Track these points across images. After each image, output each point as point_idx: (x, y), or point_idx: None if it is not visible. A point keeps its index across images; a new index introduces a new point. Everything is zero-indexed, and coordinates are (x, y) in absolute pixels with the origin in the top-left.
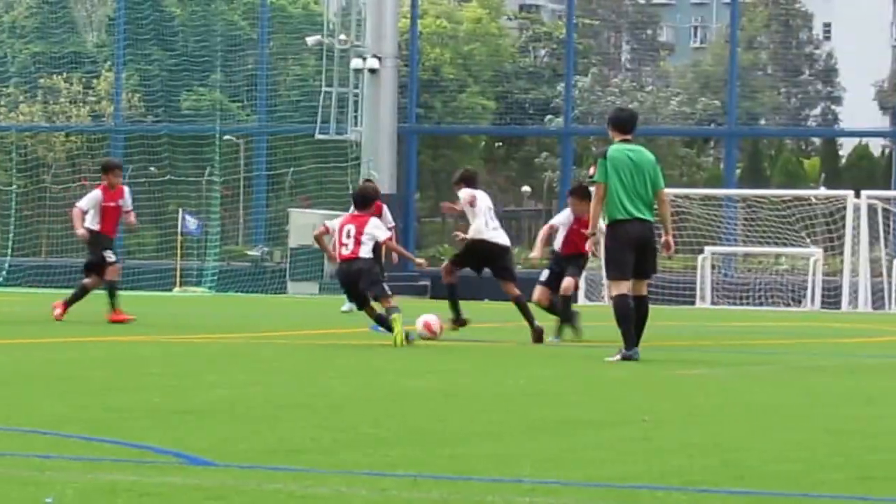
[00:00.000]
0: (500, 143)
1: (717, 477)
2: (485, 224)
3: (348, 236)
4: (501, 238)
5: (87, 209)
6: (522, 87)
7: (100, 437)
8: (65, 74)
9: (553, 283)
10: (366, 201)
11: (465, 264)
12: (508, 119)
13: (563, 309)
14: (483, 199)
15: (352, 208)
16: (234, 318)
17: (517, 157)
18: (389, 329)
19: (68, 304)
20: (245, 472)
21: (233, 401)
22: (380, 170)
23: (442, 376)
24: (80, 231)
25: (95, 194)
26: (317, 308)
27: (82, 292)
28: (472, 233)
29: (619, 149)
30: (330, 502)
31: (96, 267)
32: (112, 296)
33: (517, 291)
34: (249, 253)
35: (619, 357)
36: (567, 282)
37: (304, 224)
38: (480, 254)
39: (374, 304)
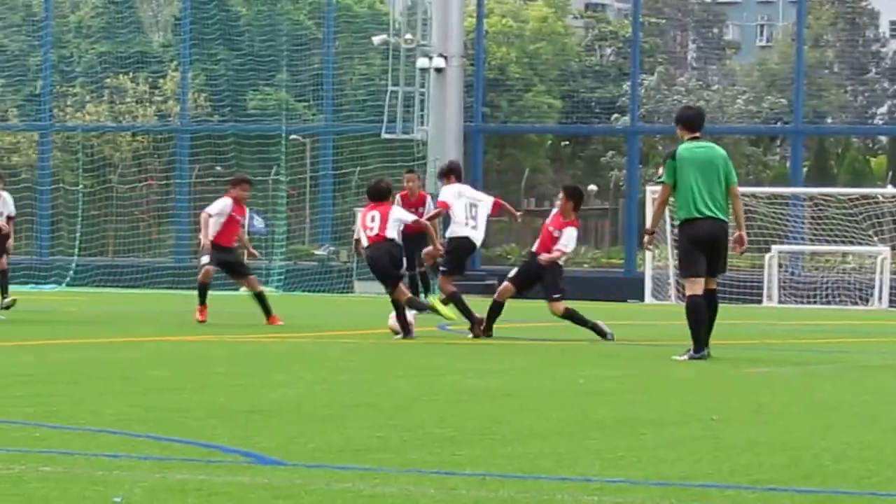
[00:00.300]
0: (567, 142)
1: (784, 475)
2: (465, 222)
3: (373, 220)
4: (478, 237)
5: (214, 214)
6: (588, 86)
7: (168, 437)
8: (131, 74)
9: (523, 282)
10: (382, 194)
11: (461, 268)
12: (574, 118)
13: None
14: (465, 193)
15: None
16: (300, 317)
17: (583, 156)
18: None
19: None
20: (313, 472)
21: (300, 400)
22: None
23: (506, 375)
24: (206, 241)
25: (227, 202)
26: (383, 307)
27: (263, 300)
28: (451, 233)
29: (688, 147)
30: (398, 501)
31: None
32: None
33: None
34: (316, 252)
35: (686, 357)
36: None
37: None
38: (468, 252)
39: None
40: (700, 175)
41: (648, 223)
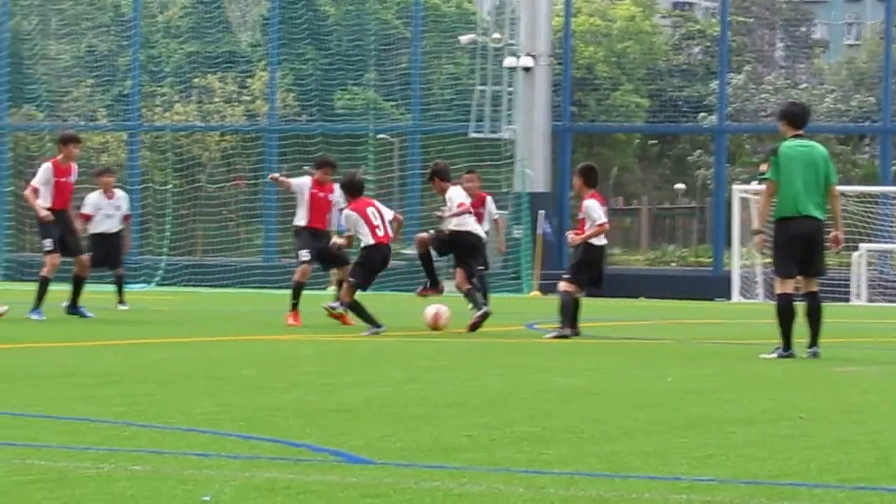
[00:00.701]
0: (654, 141)
1: (873, 474)
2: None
3: (377, 218)
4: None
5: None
6: (676, 85)
7: (257, 436)
8: (219, 74)
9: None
10: (361, 188)
11: (445, 250)
12: (662, 117)
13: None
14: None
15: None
16: (390, 316)
17: (671, 155)
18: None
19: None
20: (402, 470)
21: (388, 399)
22: (534, 168)
23: (593, 374)
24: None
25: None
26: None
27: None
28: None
29: (791, 145)
30: (487, 500)
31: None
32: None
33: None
34: (404, 252)
35: (775, 355)
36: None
37: (458, 223)
38: (463, 244)
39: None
40: (801, 173)
41: (755, 223)
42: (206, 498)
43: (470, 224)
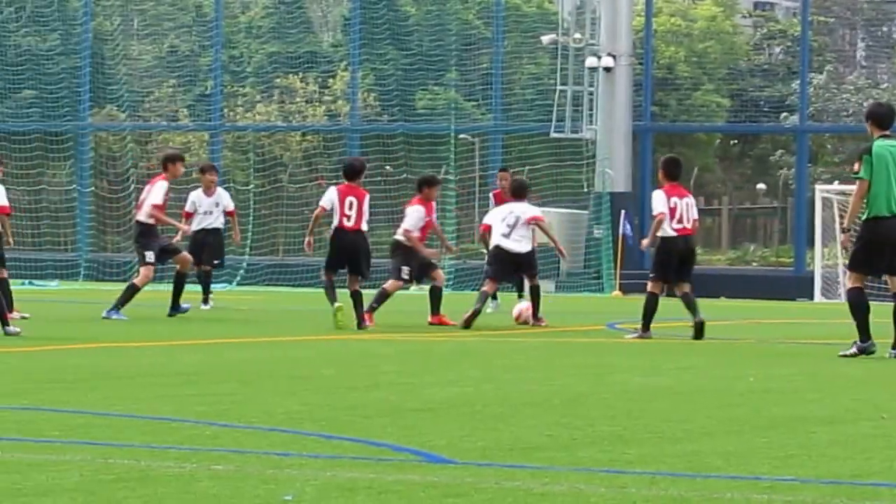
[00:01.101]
0: (735, 141)
1: None
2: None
3: (350, 208)
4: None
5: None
6: (757, 85)
7: (338, 435)
8: (301, 74)
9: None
10: (357, 172)
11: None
12: (743, 117)
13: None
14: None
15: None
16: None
17: (752, 155)
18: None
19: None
20: (483, 470)
21: (468, 398)
22: (615, 168)
23: (674, 374)
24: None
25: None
26: (552, 306)
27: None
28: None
29: (881, 145)
30: (568, 499)
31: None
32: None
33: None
34: (485, 251)
35: (854, 350)
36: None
37: None
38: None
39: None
40: (893, 173)
41: (845, 221)
42: (288, 497)
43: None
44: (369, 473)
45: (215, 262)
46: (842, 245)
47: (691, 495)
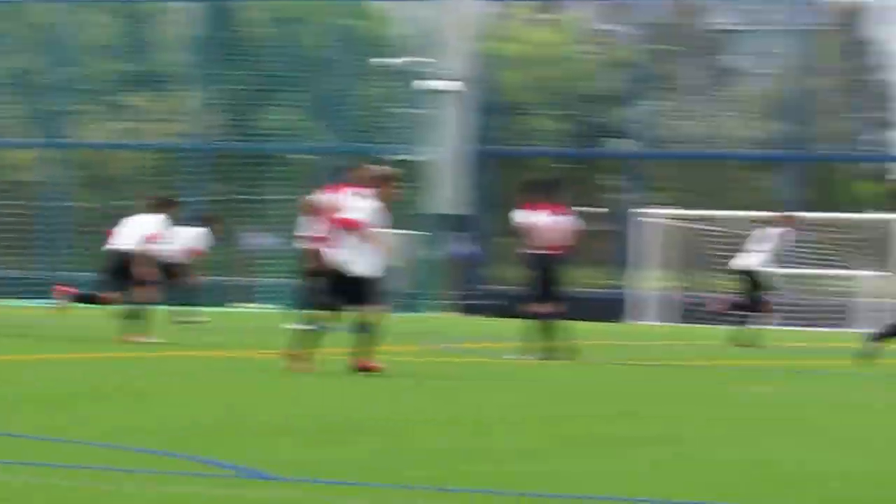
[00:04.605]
0: (572, 165)
1: None
2: None
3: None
4: None
5: None
6: (594, 110)
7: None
8: (144, 93)
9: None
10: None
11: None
12: (581, 142)
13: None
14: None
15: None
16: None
17: (586, 180)
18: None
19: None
20: (303, 485)
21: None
22: (447, 190)
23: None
24: None
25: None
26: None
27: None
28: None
29: None
30: None
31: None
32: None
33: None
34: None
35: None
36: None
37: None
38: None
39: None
40: None
41: None
42: None
43: None
44: (197, 488)
45: None
46: None
47: None
